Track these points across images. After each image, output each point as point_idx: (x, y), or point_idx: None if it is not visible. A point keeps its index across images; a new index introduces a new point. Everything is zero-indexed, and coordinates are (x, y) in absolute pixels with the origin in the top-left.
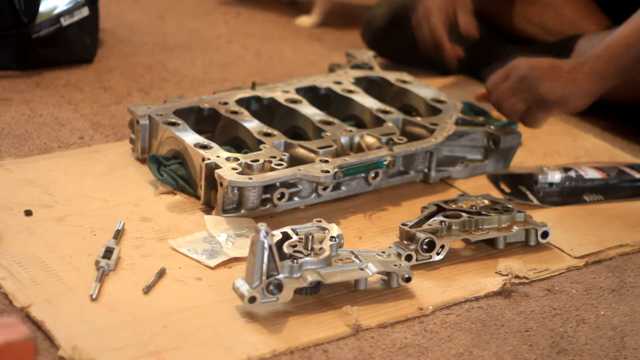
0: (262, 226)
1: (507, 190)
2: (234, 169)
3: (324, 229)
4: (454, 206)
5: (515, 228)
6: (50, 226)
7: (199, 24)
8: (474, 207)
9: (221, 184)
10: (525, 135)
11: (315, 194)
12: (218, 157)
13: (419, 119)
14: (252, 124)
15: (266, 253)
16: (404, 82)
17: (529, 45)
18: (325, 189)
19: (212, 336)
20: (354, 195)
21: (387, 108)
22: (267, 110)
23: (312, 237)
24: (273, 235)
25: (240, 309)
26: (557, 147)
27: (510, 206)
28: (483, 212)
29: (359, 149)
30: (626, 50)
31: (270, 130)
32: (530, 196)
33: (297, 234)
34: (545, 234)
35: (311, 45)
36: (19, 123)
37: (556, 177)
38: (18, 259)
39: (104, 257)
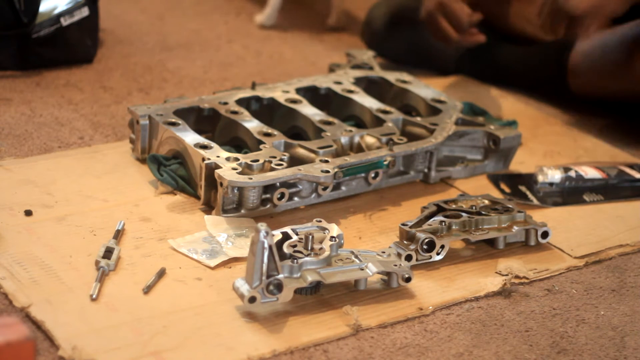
0: (262, 226)
1: (507, 190)
2: (234, 169)
3: (324, 229)
4: (454, 206)
5: (515, 228)
6: (50, 226)
7: (199, 24)
8: (474, 207)
9: (221, 184)
10: (525, 135)
11: (315, 194)
12: (218, 157)
13: (419, 119)
14: (252, 124)
15: (266, 253)
16: (404, 82)
17: (529, 44)
18: (325, 189)
19: (212, 336)
20: (354, 195)
21: (387, 108)
22: (267, 110)
23: (312, 237)
24: (273, 235)
25: (240, 309)
26: (557, 147)
27: (510, 206)
28: (483, 212)
29: (359, 149)
30: None
31: (270, 130)
32: (530, 196)
33: (297, 234)
34: (545, 234)
35: (311, 45)
36: (19, 123)
37: (556, 177)
38: (18, 259)
39: (104, 257)
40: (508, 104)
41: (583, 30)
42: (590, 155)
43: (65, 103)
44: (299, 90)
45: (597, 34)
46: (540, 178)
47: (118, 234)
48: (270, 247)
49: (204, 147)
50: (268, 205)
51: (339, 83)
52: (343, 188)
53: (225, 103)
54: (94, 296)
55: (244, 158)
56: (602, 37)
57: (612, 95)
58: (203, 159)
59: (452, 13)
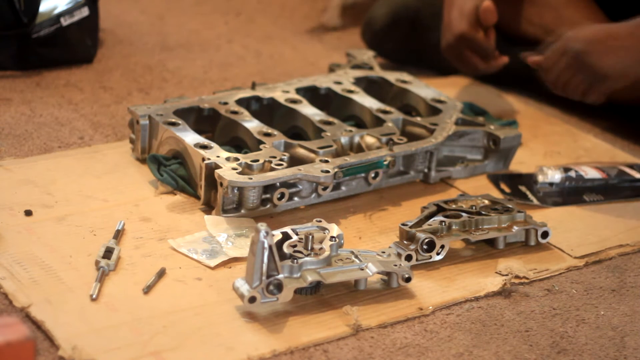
0: (262, 226)
1: (507, 190)
2: (234, 169)
3: (324, 229)
4: (454, 206)
5: (515, 228)
6: (50, 226)
7: (199, 24)
8: (474, 207)
9: (221, 184)
10: (525, 135)
11: (315, 194)
12: (218, 157)
13: (419, 119)
14: (252, 124)
15: (266, 253)
16: (404, 82)
17: (530, 46)
18: (325, 189)
19: (212, 336)
20: (354, 195)
21: (387, 108)
22: (267, 110)
23: (312, 237)
24: (273, 235)
25: (240, 309)
26: (557, 147)
27: (510, 206)
28: (483, 212)
29: (359, 149)
30: None
31: (270, 130)
32: (530, 196)
33: (297, 234)
34: (545, 234)
35: (311, 45)
36: (19, 123)
37: (556, 177)
38: (18, 259)
39: (104, 257)
40: (508, 104)
41: (608, 91)
42: (590, 155)
43: (65, 103)
44: (299, 90)
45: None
46: (540, 178)
47: (118, 234)
48: (270, 247)
49: (204, 147)
50: (268, 205)
51: (339, 83)
52: (343, 188)
53: (225, 103)
54: (94, 296)
55: (244, 158)
56: None
57: (612, 98)
58: (203, 159)
59: (477, 44)
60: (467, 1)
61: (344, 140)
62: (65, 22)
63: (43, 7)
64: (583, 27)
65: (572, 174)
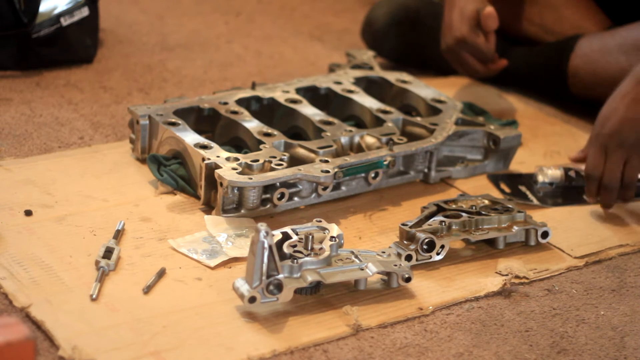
0: (262, 226)
1: (507, 190)
2: (234, 169)
3: (324, 229)
4: (454, 206)
5: (515, 228)
6: (50, 226)
7: (199, 24)
8: (474, 207)
9: (221, 184)
10: (525, 135)
11: (315, 194)
12: (218, 157)
13: (419, 119)
14: (252, 124)
15: (266, 253)
16: (404, 82)
17: (530, 45)
18: (325, 189)
19: (212, 336)
20: (354, 195)
21: (387, 108)
22: (267, 110)
23: (312, 237)
24: (273, 235)
25: (240, 309)
26: (557, 147)
27: (510, 206)
28: (483, 212)
29: (359, 149)
30: None
31: (270, 130)
32: (530, 196)
33: (297, 234)
34: (545, 234)
35: (311, 45)
36: (19, 123)
37: (556, 177)
38: (18, 259)
39: (104, 257)
40: (508, 104)
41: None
42: None
43: (65, 103)
44: (299, 90)
45: (597, 37)
46: (540, 178)
47: (118, 234)
48: (270, 247)
49: (204, 147)
50: (268, 205)
51: (339, 83)
52: (343, 188)
53: (225, 103)
54: (94, 296)
55: (244, 158)
56: (602, 40)
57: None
58: (203, 159)
59: (477, 48)
60: (469, 3)
61: (344, 140)
62: (65, 22)
63: (43, 7)
64: (604, 118)
65: (572, 174)
